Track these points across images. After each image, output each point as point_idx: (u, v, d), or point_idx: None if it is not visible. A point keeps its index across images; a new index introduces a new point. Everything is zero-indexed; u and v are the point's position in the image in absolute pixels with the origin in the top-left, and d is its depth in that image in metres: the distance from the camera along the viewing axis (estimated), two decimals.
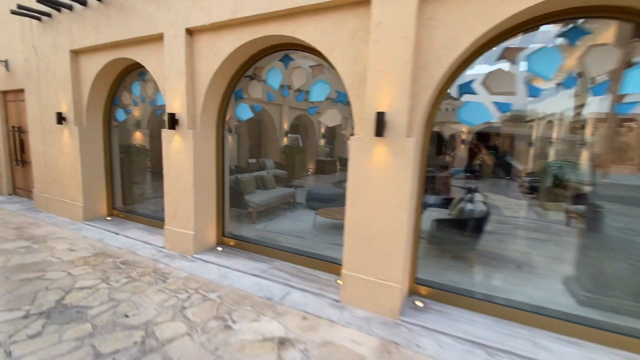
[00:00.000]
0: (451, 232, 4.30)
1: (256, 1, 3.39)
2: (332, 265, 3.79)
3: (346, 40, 3.05)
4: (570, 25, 2.52)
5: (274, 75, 3.96)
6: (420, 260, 3.38)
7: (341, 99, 3.57)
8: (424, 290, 3.38)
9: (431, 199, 6.53)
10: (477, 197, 4.97)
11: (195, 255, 4.28)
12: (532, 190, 8.48)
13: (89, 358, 2.36)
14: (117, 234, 5.08)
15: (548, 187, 7.09)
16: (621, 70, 2.44)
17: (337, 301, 3.29)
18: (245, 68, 4.15)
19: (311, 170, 14.34)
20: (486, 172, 12.96)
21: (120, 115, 5.61)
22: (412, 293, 3.40)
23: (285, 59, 3.91)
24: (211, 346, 2.54)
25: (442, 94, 2.96)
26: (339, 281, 3.57)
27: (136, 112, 6.36)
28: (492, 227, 6.35)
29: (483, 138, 14.71)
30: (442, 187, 9.08)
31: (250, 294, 3.39)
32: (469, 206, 4.46)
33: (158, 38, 4.25)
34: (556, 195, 6.72)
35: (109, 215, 5.96)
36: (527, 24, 2.58)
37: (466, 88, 2.98)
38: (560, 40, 2.57)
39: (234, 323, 2.86)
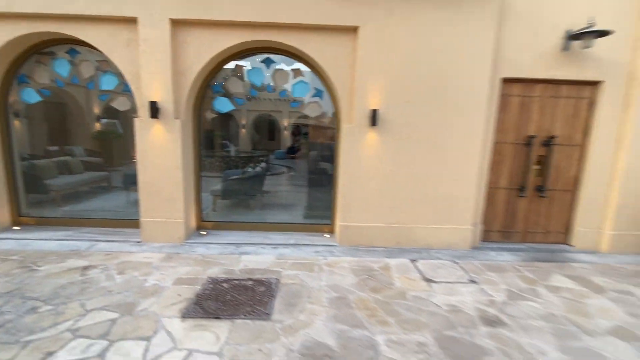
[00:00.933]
0: (239, 188, 6.10)
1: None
2: (137, 222, 4.83)
3: (122, 46, 4.09)
4: (265, 56, 4.48)
5: (61, 64, 4.49)
6: (215, 207, 4.92)
7: (127, 89, 4.56)
8: (209, 225, 4.97)
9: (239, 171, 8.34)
10: (262, 165, 6.99)
11: None
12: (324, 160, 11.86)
13: None
14: None
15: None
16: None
17: (138, 242, 4.43)
18: (28, 55, 4.45)
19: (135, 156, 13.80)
20: (303, 152, 17.13)
21: None
22: (200, 228, 4.93)
23: (72, 52, 4.50)
24: (16, 281, 3.26)
25: (200, 91, 4.48)
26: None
27: None
28: (284, 188, 8.75)
29: (300, 127, 19.16)
30: (257, 162, 11.24)
31: (55, 250, 4.06)
32: (250, 170, 6.37)
33: None
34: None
35: None
36: (241, 52, 4.39)
37: (217, 88, 4.61)
38: (262, 64, 4.51)
39: (39, 267, 3.59)
